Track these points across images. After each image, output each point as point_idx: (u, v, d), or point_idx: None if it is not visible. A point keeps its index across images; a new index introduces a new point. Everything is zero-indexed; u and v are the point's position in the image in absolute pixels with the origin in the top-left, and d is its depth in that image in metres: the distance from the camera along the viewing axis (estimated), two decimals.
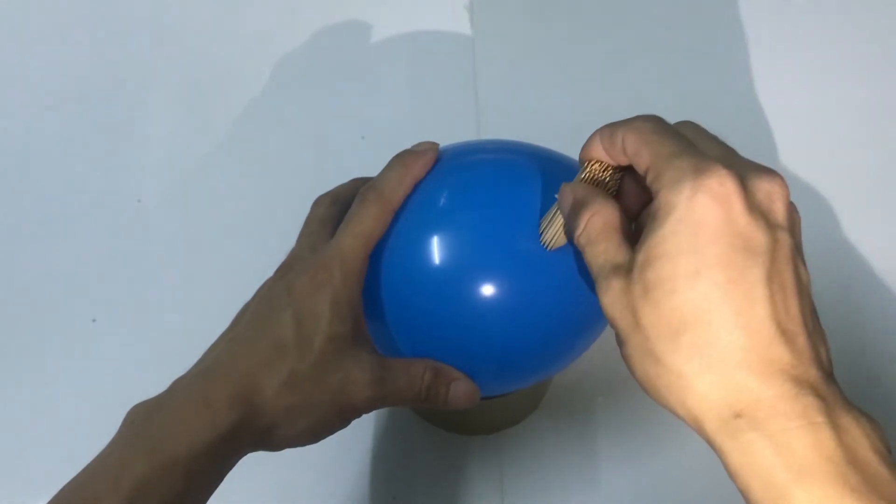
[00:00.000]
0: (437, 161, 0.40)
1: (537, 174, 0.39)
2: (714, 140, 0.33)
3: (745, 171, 0.30)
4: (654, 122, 0.33)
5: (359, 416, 0.38)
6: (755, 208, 0.29)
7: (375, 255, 0.39)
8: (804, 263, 0.31)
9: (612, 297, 0.31)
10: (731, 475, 0.28)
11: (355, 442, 0.53)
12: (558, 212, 0.37)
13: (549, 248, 0.38)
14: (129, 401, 0.36)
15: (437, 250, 0.38)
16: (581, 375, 0.54)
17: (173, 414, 0.35)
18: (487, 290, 0.38)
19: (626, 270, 0.31)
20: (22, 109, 0.68)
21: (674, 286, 0.29)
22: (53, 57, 0.70)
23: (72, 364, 0.57)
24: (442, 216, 0.39)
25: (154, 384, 0.37)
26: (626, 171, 0.35)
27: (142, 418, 0.35)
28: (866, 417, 0.28)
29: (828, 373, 0.29)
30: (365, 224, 0.38)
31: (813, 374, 0.28)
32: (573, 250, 0.38)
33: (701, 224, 0.28)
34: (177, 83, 0.68)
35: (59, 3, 0.72)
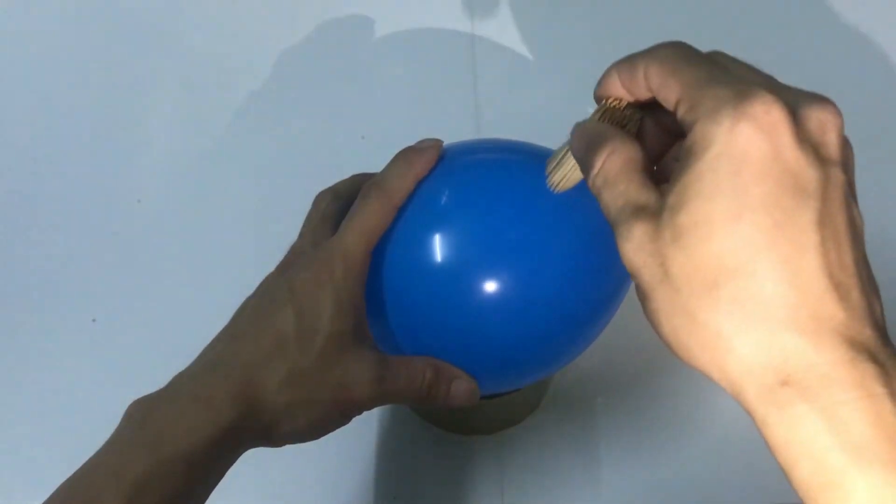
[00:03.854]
0: (441, 158, 0.40)
1: (539, 174, 0.39)
2: (752, 68, 0.28)
3: (792, 97, 0.26)
4: (682, 48, 0.29)
5: (359, 412, 0.38)
6: (806, 141, 0.25)
7: (377, 252, 0.39)
8: (857, 207, 0.27)
9: (635, 243, 0.27)
10: (772, 449, 0.25)
11: (356, 441, 0.53)
12: (568, 151, 0.33)
13: (556, 190, 0.35)
14: (129, 400, 0.36)
15: (439, 248, 0.38)
16: (581, 375, 0.54)
17: (174, 409, 0.35)
18: (489, 288, 0.38)
19: (653, 213, 0.27)
20: (22, 109, 0.68)
21: (711, 231, 0.25)
22: (53, 57, 0.70)
23: (72, 364, 0.57)
24: (444, 214, 0.39)
25: (154, 384, 0.37)
26: (647, 113, 0.31)
27: (142, 414, 0.35)
28: None
29: (883, 332, 0.25)
30: (368, 221, 0.38)
31: (868, 334, 0.25)
32: (575, 247, 0.38)
33: (744, 159, 0.25)
34: (177, 83, 0.68)
35: (59, 3, 0.72)
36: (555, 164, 0.35)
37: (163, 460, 0.33)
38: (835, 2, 0.70)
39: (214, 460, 0.35)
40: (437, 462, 0.53)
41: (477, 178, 0.40)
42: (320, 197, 0.42)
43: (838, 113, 0.26)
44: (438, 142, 0.41)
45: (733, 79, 0.27)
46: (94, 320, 0.59)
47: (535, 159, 0.40)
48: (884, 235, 0.51)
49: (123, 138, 0.66)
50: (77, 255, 0.61)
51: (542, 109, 0.65)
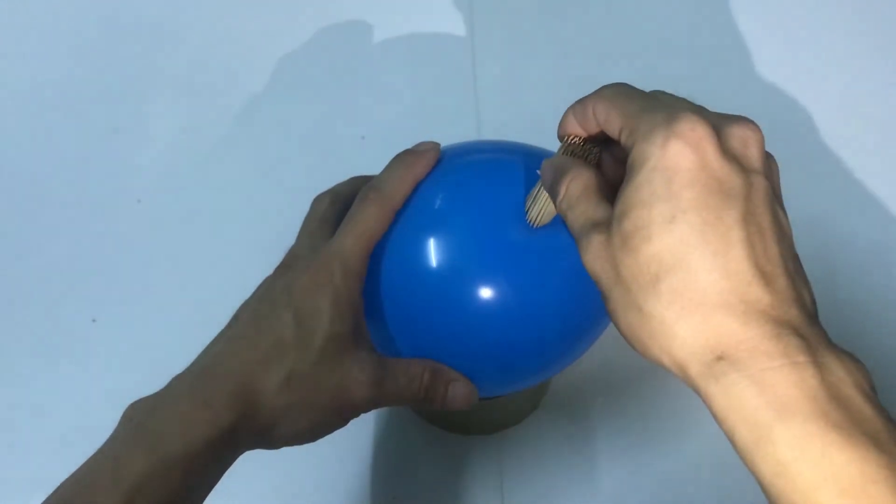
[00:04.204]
0: (439, 161, 0.40)
1: (537, 175, 0.39)
2: (684, 100, 0.32)
3: (717, 119, 0.30)
4: (621, 86, 0.33)
5: (358, 415, 0.38)
6: (729, 153, 0.29)
7: (376, 255, 0.39)
8: (784, 210, 0.30)
9: (592, 252, 0.31)
10: (717, 420, 0.28)
11: (355, 442, 0.53)
12: (540, 190, 0.37)
13: (534, 225, 0.38)
14: (129, 400, 0.36)
15: (437, 251, 0.38)
16: (581, 375, 0.54)
17: (172, 411, 0.35)
18: (487, 291, 0.38)
19: (606, 225, 0.31)
20: (22, 109, 0.68)
21: (650, 233, 0.29)
22: (53, 57, 0.70)
23: (72, 364, 0.57)
24: (442, 217, 0.39)
25: (154, 384, 0.37)
26: (604, 146, 0.35)
27: (140, 415, 0.35)
28: (850, 357, 0.28)
29: (811, 314, 0.29)
30: (366, 223, 0.38)
31: (794, 314, 0.28)
32: (574, 249, 0.38)
33: (675, 169, 0.28)
34: (177, 83, 0.68)
35: (59, 3, 0.72)
36: (531, 200, 0.38)
37: (161, 462, 0.33)
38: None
39: (212, 462, 0.35)
40: (437, 462, 0.53)
41: (475, 180, 0.40)
42: (319, 199, 0.42)
43: (758, 129, 0.30)
44: (437, 144, 0.41)
45: (665, 106, 0.30)
46: (94, 320, 0.59)
47: (533, 160, 0.40)
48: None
49: (123, 138, 0.66)
50: (77, 255, 0.61)
51: (542, 110, 0.65)
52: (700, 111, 0.30)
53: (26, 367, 0.57)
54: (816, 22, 0.70)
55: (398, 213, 0.39)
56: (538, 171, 0.36)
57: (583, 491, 0.52)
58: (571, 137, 0.35)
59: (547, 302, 0.39)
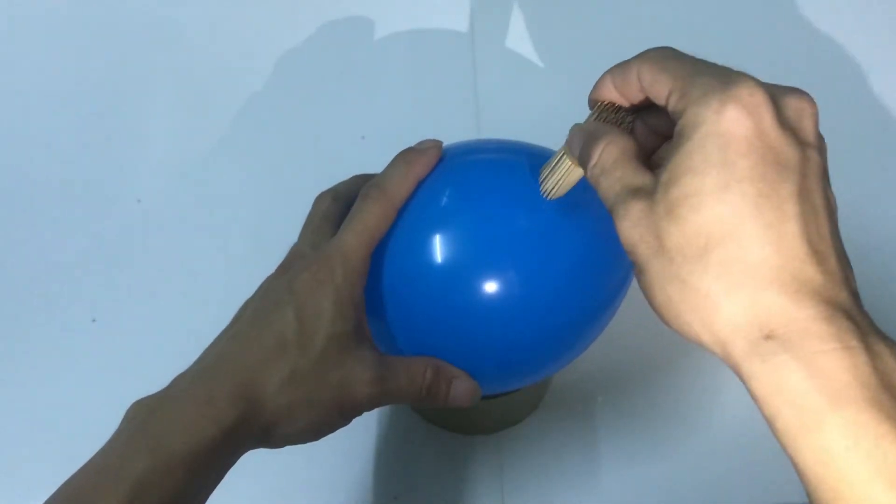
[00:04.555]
0: (441, 159, 0.41)
1: (539, 176, 0.39)
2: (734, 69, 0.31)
3: (774, 88, 0.29)
4: (670, 50, 0.31)
5: (360, 413, 0.38)
6: (786, 123, 0.28)
7: (378, 253, 0.39)
8: (831, 190, 0.29)
9: (631, 220, 0.29)
10: (758, 402, 0.27)
11: (356, 441, 0.53)
12: (562, 157, 0.35)
13: (549, 196, 0.36)
14: (129, 400, 0.36)
15: (439, 249, 0.38)
16: (581, 375, 0.54)
17: (175, 410, 0.35)
18: (489, 288, 0.38)
19: (648, 192, 0.29)
20: (22, 109, 0.68)
21: (701, 201, 0.27)
22: (53, 57, 0.70)
23: (72, 364, 0.57)
24: (444, 215, 0.39)
25: (154, 384, 0.37)
26: (638, 116, 0.34)
27: (143, 415, 0.35)
28: None
29: (857, 299, 0.28)
30: (368, 222, 0.38)
31: (844, 297, 0.27)
32: (576, 247, 0.38)
33: (731, 136, 0.27)
34: (177, 83, 0.68)
35: (59, 3, 0.72)
36: (548, 171, 0.37)
37: (163, 461, 0.33)
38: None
39: (215, 461, 0.35)
40: (437, 462, 0.53)
41: (477, 178, 0.40)
42: (320, 198, 0.42)
43: (813, 102, 0.29)
44: (439, 143, 0.41)
45: (719, 71, 0.29)
46: (94, 320, 0.59)
47: (535, 159, 0.40)
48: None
49: (123, 138, 0.66)
50: (77, 255, 0.61)
51: (542, 109, 0.65)
52: (756, 78, 0.29)
53: (26, 367, 0.57)
54: (824, 17, 0.70)
55: (400, 212, 0.39)
56: (566, 137, 0.35)
57: (583, 491, 0.52)
58: (605, 103, 0.34)
59: (548, 299, 0.39)
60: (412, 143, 0.42)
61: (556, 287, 0.39)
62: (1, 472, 0.54)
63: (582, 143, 0.33)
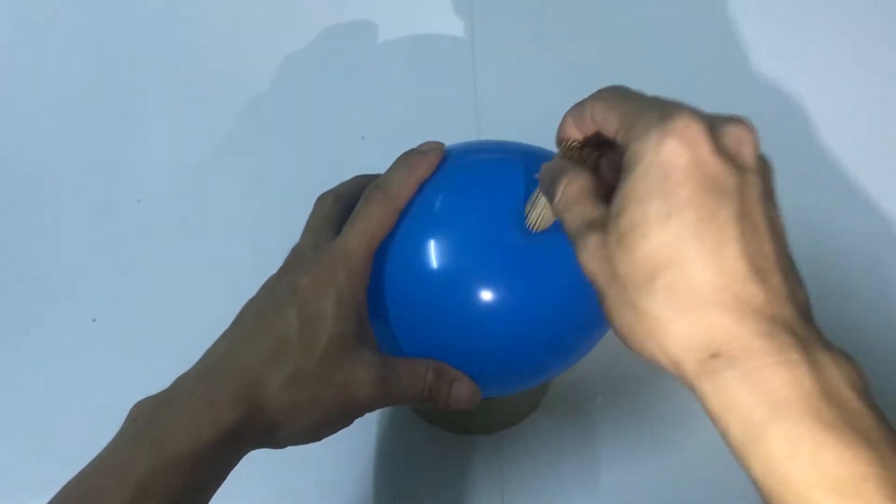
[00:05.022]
0: (443, 161, 0.41)
1: (537, 180, 0.39)
2: (679, 102, 0.32)
3: (712, 118, 0.30)
4: (619, 88, 0.33)
5: (361, 414, 0.38)
6: (723, 151, 0.29)
7: (379, 255, 0.39)
8: (777, 209, 0.30)
9: (588, 252, 0.31)
10: (711, 418, 0.28)
11: (356, 442, 0.53)
12: (539, 195, 0.37)
13: (534, 229, 0.38)
14: (130, 401, 0.36)
15: (441, 251, 0.38)
16: (581, 375, 0.54)
17: (177, 411, 0.35)
18: (490, 291, 0.38)
19: (602, 225, 0.31)
20: (22, 110, 0.68)
21: (646, 230, 0.28)
22: (54, 58, 0.70)
23: (72, 364, 0.57)
24: (446, 217, 0.39)
25: (155, 384, 0.37)
26: (603, 152, 0.35)
27: (146, 415, 0.35)
28: (844, 355, 0.28)
29: (805, 313, 0.29)
30: (370, 223, 0.38)
31: (788, 312, 0.28)
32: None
33: (670, 167, 0.28)
34: (177, 83, 0.68)
35: (59, 4, 0.72)
36: (530, 205, 0.38)
37: (166, 461, 0.33)
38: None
39: (217, 462, 0.35)
40: (437, 462, 0.53)
41: (479, 180, 0.40)
42: (322, 199, 0.42)
43: (752, 129, 0.30)
44: (440, 144, 0.41)
45: (660, 106, 0.30)
46: (94, 320, 0.59)
47: (535, 161, 0.40)
48: None
49: (123, 138, 0.66)
50: (77, 255, 0.61)
51: (542, 110, 0.65)
52: (694, 110, 0.30)
53: (27, 367, 0.57)
54: (814, 21, 0.70)
55: (402, 213, 0.39)
56: (536, 176, 0.37)
57: (583, 491, 0.52)
58: (570, 142, 0.35)
59: (550, 302, 0.39)
60: (412, 143, 0.42)
61: (557, 290, 0.39)
62: (1, 472, 0.54)
63: (548, 181, 0.35)
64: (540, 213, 0.37)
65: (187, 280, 0.60)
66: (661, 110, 0.30)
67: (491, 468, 0.53)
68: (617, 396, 0.54)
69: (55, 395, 0.56)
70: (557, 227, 0.38)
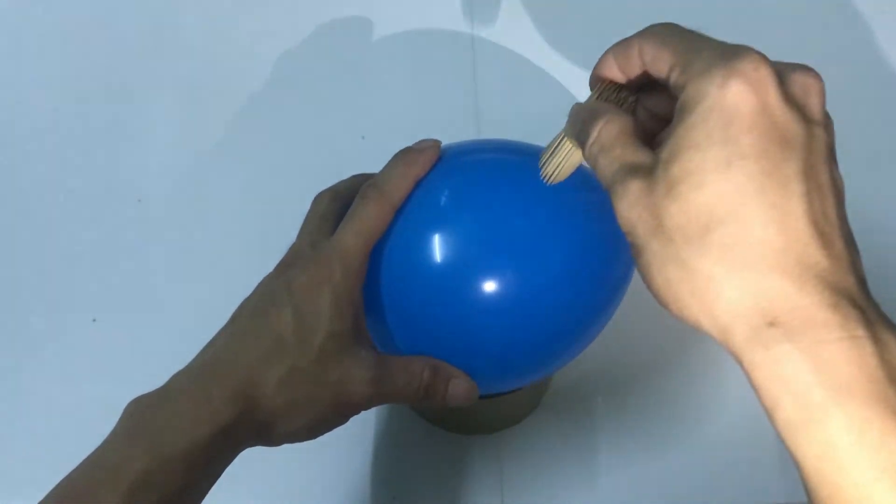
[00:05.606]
0: (439, 159, 0.40)
1: (538, 174, 0.39)
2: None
3: (780, 64, 0.28)
4: (672, 25, 0.31)
5: (357, 412, 0.38)
6: (791, 99, 0.27)
7: (376, 253, 0.39)
8: (838, 169, 0.28)
9: (630, 199, 0.28)
10: (757, 391, 0.26)
11: (355, 441, 0.53)
12: (562, 141, 0.35)
13: (549, 181, 0.36)
14: (129, 399, 0.36)
15: (437, 249, 0.38)
16: (581, 375, 0.54)
17: (173, 408, 0.35)
18: (487, 288, 0.38)
19: (647, 170, 0.28)
20: (22, 110, 0.68)
21: (703, 179, 0.26)
22: (54, 57, 0.70)
23: (72, 364, 0.57)
24: (443, 214, 0.39)
25: (154, 384, 0.37)
26: (640, 98, 0.33)
27: (140, 412, 0.35)
28: None
29: (864, 285, 0.27)
30: (366, 221, 0.38)
31: (851, 282, 0.26)
32: (574, 246, 0.38)
33: (734, 111, 0.26)
34: (177, 83, 0.68)
35: (59, 4, 0.72)
36: (548, 155, 0.36)
37: (161, 459, 0.33)
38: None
39: (212, 459, 0.35)
40: (437, 462, 0.53)
41: (476, 178, 0.40)
42: (319, 197, 0.42)
43: (820, 79, 0.28)
44: (437, 142, 0.41)
45: (723, 45, 0.28)
46: (94, 320, 0.59)
47: (534, 159, 0.40)
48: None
49: (124, 138, 0.66)
50: (77, 255, 0.61)
51: (542, 109, 0.65)
52: (761, 53, 0.28)
53: (26, 367, 0.57)
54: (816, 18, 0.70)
55: (398, 211, 0.39)
56: (567, 118, 0.34)
57: (583, 491, 0.52)
58: (607, 82, 0.33)
59: (547, 299, 0.39)
60: (412, 142, 0.42)
61: (554, 287, 0.39)
62: (1, 472, 0.54)
63: (581, 122, 0.32)
64: (559, 163, 0.35)
65: (187, 280, 0.60)
66: (726, 50, 0.27)
67: (491, 468, 0.53)
68: (617, 396, 0.54)
69: (55, 395, 0.56)
70: (558, 219, 0.38)
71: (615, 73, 0.33)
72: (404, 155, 0.40)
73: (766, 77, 0.26)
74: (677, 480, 0.52)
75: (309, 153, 0.65)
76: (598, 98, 0.33)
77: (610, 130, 0.30)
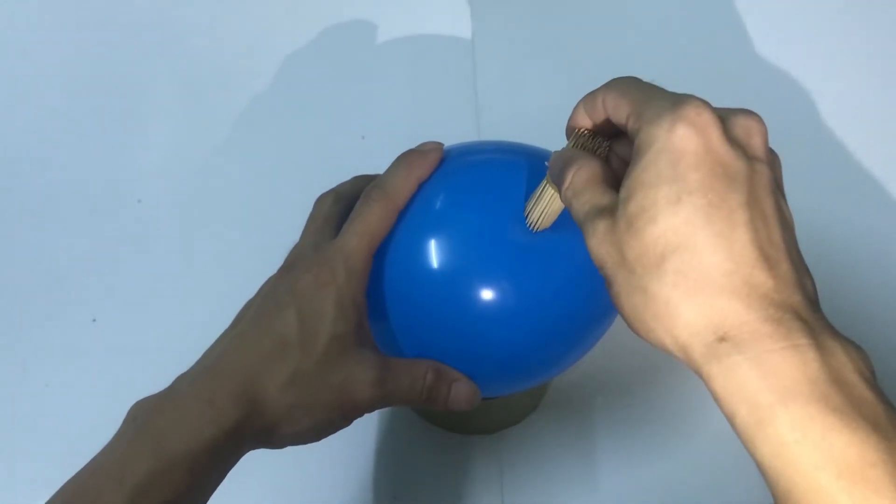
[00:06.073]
0: (442, 161, 0.41)
1: (540, 176, 0.39)
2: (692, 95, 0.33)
3: (722, 110, 0.30)
4: (631, 79, 0.33)
5: (361, 415, 0.38)
6: (733, 140, 0.29)
7: (379, 255, 0.39)
8: (786, 201, 0.31)
9: (598, 238, 0.31)
10: (718, 401, 0.28)
11: (356, 441, 0.53)
12: (545, 188, 0.37)
13: (534, 228, 0.38)
14: (130, 400, 0.36)
15: (440, 251, 0.38)
16: (581, 375, 0.54)
17: (176, 411, 0.35)
18: (490, 291, 0.38)
19: (611, 211, 0.31)
20: (22, 109, 0.68)
21: (656, 213, 0.29)
22: (54, 57, 0.70)
23: (72, 364, 0.57)
24: (446, 217, 0.39)
25: (154, 384, 0.37)
26: (612, 142, 0.36)
27: (145, 415, 0.35)
28: (851, 343, 0.28)
29: (812, 301, 0.29)
30: (369, 223, 0.38)
31: (796, 300, 0.28)
32: (577, 249, 0.38)
33: (681, 152, 0.29)
34: (177, 83, 0.68)
35: (59, 4, 0.72)
36: (533, 202, 0.38)
37: (165, 461, 0.33)
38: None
39: (216, 461, 0.35)
40: (437, 462, 0.53)
41: (478, 180, 0.40)
42: (322, 199, 0.42)
43: (761, 121, 0.31)
44: (440, 144, 0.41)
45: (672, 95, 0.31)
46: (94, 320, 0.59)
47: (535, 160, 0.40)
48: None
49: (123, 138, 0.66)
50: (77, 255, 0.61)
51: (542, 110, 0.65)
52: (705, 101, 0.30)
53: (27, 367, 0.57)
54: (817, 16, 0.70)
55: (401, 213, 0.39)
56: (547, 164, 0.37)
57: (583, 491, 0.52)
58: (581, 130, 0.36)
59: (550, 303, 0.39)
60: (412, 143, 0.42)
61: (557, 290, 0.39)
62: (1, 471, 0.54)
63: (558, 168, 0.35)
64: (543, 211, 0.37)
65: (187, 280, 0.60)
66: (673, 98, 0.30)
67: (491, 468, 0.53)
68: (617, 396, 0.54)
69: (55, 395, 0.56)
70: (557, 227, 0.38)
71: (586, 121, 0.35)
72: (407, 157, 0.40)
73: (708, 120, 0.29)
74: (677, 480, 0.52)
75: (309, 153, 0.65)
76: (573, 145, 0.36)
77: (581, 176, 0.33)
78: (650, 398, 0.54)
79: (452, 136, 0.44)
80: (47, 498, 0.34)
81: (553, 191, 0.37)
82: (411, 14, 0.70)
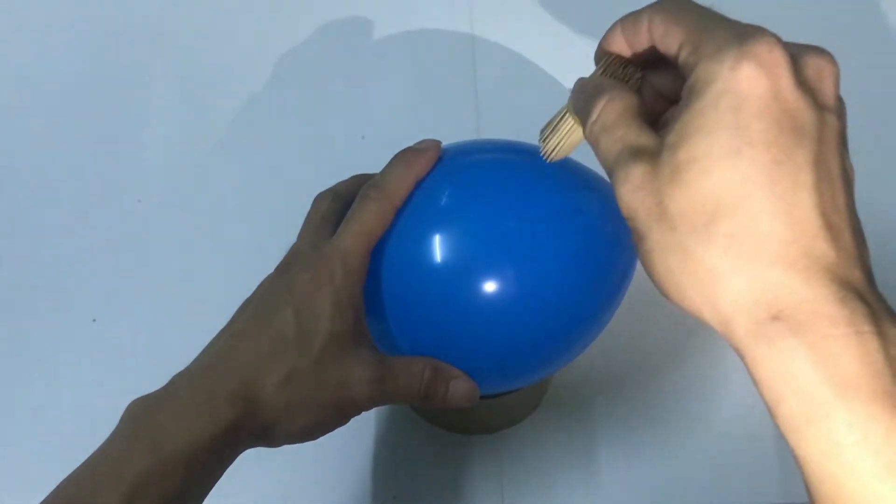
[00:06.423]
0: (440, 159, 0.40)
1: (538, 174, 0.39)
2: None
3: (793, 47, 0.26)
4: (686, 1, 0.29)
5: (358, 413, 0.38)
6: (804, 84, 0.26)
7: (377, 253, 0.39)
8: (849, 156, 0.27)
9: (633, 184, 0.27)
10: (759, 386, 0.25)
11: (356, 441, 0.53)
12: (564, 116, 0.33)
13: (549, 158, 0.35)
14: (129, 400, 0.36)
15: (438, 249, 0.38)
16: (581, 375, 0.54)
17: (174, 409, 0.35)
18: (487, 288, 0.38)
19: (652, 154, 0.27)
20: (22, 109, 0.68)
21: (711, 165, 0.25)
22: (54, 57, 0.70)
23: (72, 364, 0.57)
24: (443, 215, 0.39)
25: (154, 384, 0.37)
26: (646, 75, 0.32)
27: (142, 413, 0.35)
28: None
29: (871, 276, 0.26)
30: (367, 222, 0.38)
31: (858, 276, 0.25)
32: (574, 247, 0.38)
33: (745, 96, 0.25)
34: (177, 83, 0.68)
35: (59, 4, 0.72)
36: (549, 131, 0.34)
37: (162, 459, 0.33)
38: None
39: (213, 460, 0.35)
40: (437, 462, 0.53)
41: (476, 178, 0.40)
42: (320, 198, 0.42)
43: (835, 63, 0.27)
44: (437, 142, 0.41)
45: (736, 24, 0.27)
46: (94, 320, 0.59)
47: (534, 159, 0.40)
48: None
49: (123, 138, 0.66)
50: (77, 255, 0.61)
51: (542, 109, 0.65)
52: (775, 35, 0.26)
53: (26, 367, 0.57)
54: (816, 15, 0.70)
55: (399, 212, 0.39)
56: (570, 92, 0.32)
57: (583, 491, 0.52)
58: (613, 57, 0.31)
59: (547, 299, 0.39)
60: (412, 143, 0.42)
61: (554, 287, 0.39)
62: (1, 471, 0.54)
63: (583, 99, 0.31)
64: (560, 140, 0.34)
65: (187, 280, 0.60)
66: (739, 29, 0.26)
67: (491, 468, 0.53)
68: (617, 396, 0.54)
69: (55, 395, 0.56)
70: (558, 220, 0.38)
71: (622, 46, 0.31)
72: (405, 155, 0.40)
73: (779, 61, 0.25)
74: (677, 480, 0.52)
75: (309, 153, 0.65)
76: (602, 73, 0.31)
77: (613, 109, 0.29)
78: (650, 398, 0.54)
79: (452, 135, 0.44)
80: (44, 496, 0.34)
81: (574, 122, 0.33)
82: (412, 14, 0.70)
